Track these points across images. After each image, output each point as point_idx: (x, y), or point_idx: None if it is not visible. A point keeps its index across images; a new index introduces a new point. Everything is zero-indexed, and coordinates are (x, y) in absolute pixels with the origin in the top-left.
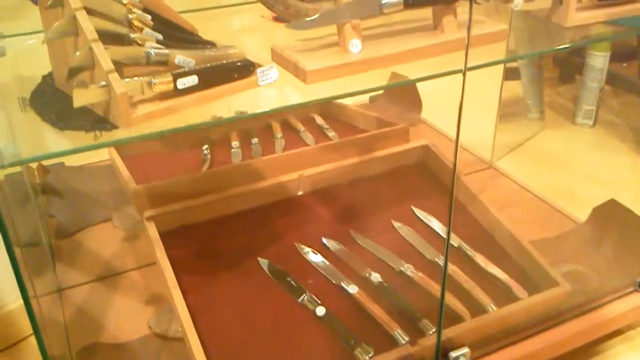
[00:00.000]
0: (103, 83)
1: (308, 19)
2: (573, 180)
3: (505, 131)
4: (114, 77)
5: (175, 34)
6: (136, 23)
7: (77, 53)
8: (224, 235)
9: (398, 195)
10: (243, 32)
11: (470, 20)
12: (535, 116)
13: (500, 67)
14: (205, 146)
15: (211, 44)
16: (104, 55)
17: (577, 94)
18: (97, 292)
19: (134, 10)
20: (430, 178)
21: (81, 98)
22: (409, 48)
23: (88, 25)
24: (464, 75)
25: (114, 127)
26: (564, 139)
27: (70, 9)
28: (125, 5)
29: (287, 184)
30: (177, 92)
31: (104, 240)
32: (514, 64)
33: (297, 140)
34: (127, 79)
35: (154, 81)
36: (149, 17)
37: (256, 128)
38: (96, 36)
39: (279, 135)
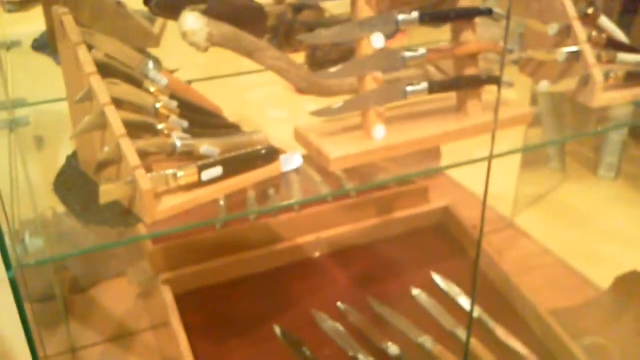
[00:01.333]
0: (130, 179)
1: (334, 106)
2: (595, 238)
3: (526, 182)
4: (140, 173)
5: (201, 118)
6: (163, 111)
7: (106, 149)
8: (239, 299)
9: (417, 259)
10: (267, 103)
11: (497, 109)
12: (556, 166)
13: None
14: None
15: (235, 128)
16: (132, 151)
17: (599, 143)
18: (111, 354)
19: (161, 98)
20: (450, 241)
21: (108, 195)
22: (433, 133)
23: (116, 121)
24: (490, 163)
25: (138, 220)
26: (586, 192)
27: (99, 104)
28: (152, 93)
29: (304, 245)
30: (202, 183)
31: (118, 297)
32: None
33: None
34: (153, 173)
35: (179, 174)
36: (175, 103)
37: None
38: (124, 131)
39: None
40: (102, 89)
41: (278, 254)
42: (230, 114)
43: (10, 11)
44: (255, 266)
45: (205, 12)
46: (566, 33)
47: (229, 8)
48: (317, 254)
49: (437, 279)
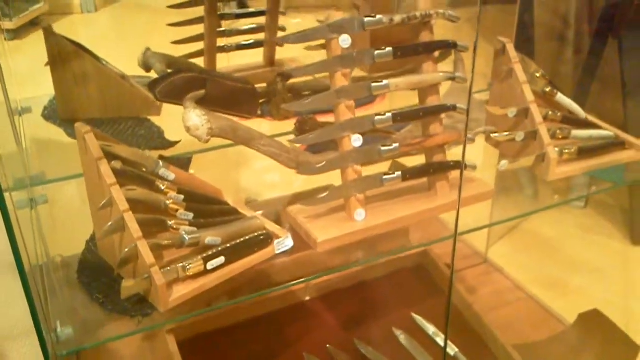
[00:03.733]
0: (146, 275)
1: (317, 165)
2: (565, 268)
3: (500, 210)
4: (155, 270)
5: (204, 208)
6: (172, 207)
7: (126, 250)
8: (236, 344)
9: (399, 300)
10: (263, 170)
11: (460, 193)
12: (529, 194)
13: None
14: None
15: (235, 212)
16: (147, 251)
17: None
18: None
19: (170, 195)
20: (429, 281)
21: (128, 290)
22: (407, 214)
23: (133, 225)
24: (455, 241)
25: (154, 308)
26: (556, 221)
27: (119, 210)
28: (163, 191)
29: (295, 291)
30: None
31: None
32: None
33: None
34: (165, 269)
35: (187, 267)
36: (182, 197)
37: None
38: (140, 234)
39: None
40: (121, 197)
41: (273, 299)
42: (231, 182)
43: (7, 39)
44: (251, 311)
45: (204, 96)
46: (524, 114)
47: (225, 91)
48: (307, 298)
49: (417, 318)
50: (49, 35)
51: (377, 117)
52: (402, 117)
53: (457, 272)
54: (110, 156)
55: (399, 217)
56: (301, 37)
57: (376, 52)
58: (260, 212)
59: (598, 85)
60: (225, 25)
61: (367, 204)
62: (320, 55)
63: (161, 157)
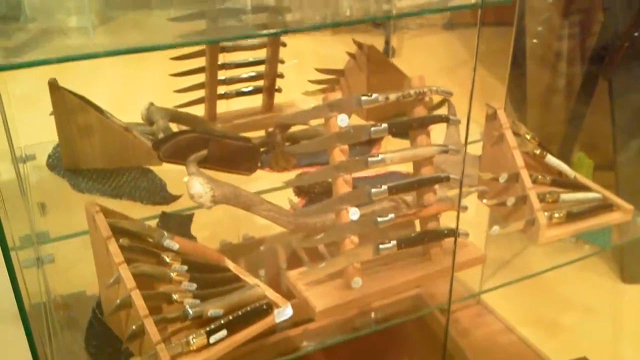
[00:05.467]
0: (152, 352)
1: (316, 237)
2: (556, 305)
3: (493, 246)
4: (160, 347)
5: (207, 277)
6: (176, 278)
7: (134, 327)
8: None
9: (394, 349)
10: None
11: (454, 258)
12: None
13: None
14: None
15: (236, 279)
16: (153, 329)
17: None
18: None
19: (174, 267)
20: (422, 325)
21: None
22: (403, 280)
23: (140, 302)
24: (449, 311)
25: None
26: (549, 256)
27: (127, 288)
28: (168, 263)
29: (294, 337)
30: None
31: None
32: None
33: None
34: (171, 345)
35: (192, 341)
36: (185, 267)
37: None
38: (147, 312)
39: (284, 267)
40: (128, 275)
41: (272, 345)
42: (229, 218)
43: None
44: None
45: (206, 156)
46: (515, 178)
47: (226, 150)
48: (304, 347)
49: None
50: (54, 88)
51: (373, 190)
52: (397, 189)
53: (451, 313)
54: (118, 231)
55: (395, 284)
56: (301, 116)
57: (372, 129)
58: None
59: (588, 124)
60: (226, 74)
61: (363, 271)
62: (318, 100)
63: (163, 214)
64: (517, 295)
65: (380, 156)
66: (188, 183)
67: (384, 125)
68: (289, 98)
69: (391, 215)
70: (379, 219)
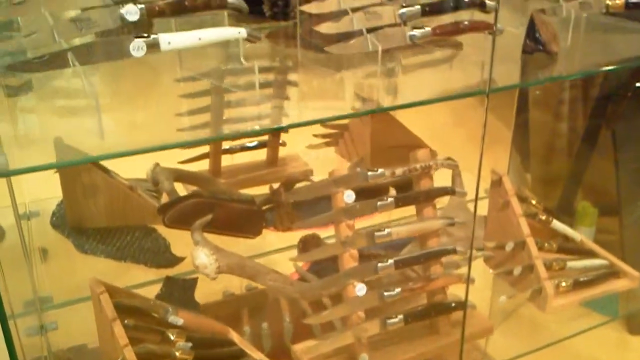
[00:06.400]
0: None
1: (323, 313)
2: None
3: (499, 290)
4: None
5: (212, 353)
6: (181, 357)
7: None
8: None
9: None
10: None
11: (463, 333)
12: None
13: None
14: None
15: (241, 354)
16: None
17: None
18: None
19: (179, 344)
20: None
21: None
22: (410, 355)
23: None
24: None
25: None
26: (557, 322)
27: None
28: (172, 341)
29: None
30: None
31: None
32: None
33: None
34: None
35: None
36: (190, 344)
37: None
38: None
39: (287, 319)
40: (133, 358)
41: None
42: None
43: (9, 95)
44: None
45: (211, 220)
46: (521, 246)
47: (231, 214)
48: None
49: None
50: (59, 146)
51: (379, 265)
52: (404, 264)
53: None
54: (123, 309)
55: (403, 359)
56: (308, 191)
57: (379, 204)
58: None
59: (591, 172)
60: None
61: (370, 346)
62: (322, 152)
63: (167, 280)
64: (521, 345)
65: (387, 230)
66: (193, 253)
67: (390, 199)
68: (294, 151)
69: (398, 290)
70: (386, 294)
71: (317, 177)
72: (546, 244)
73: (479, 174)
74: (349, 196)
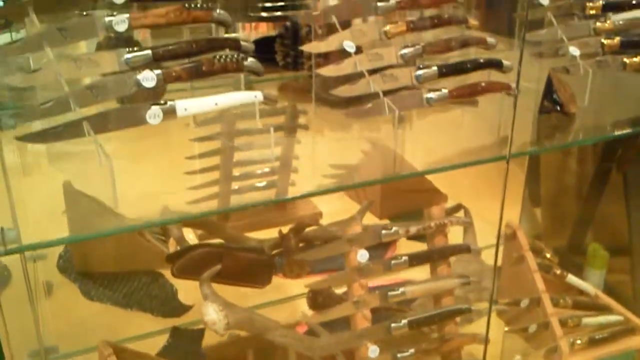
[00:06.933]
0: None
1: None
2: None
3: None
4: None
5: None
6: None
7: None
8: None
9: None
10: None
11: None
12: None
13: None
14: None
15: None
16: None
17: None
18: None
19: None
20: None
21: None
22: None
23: None
24: None
25: None
26: None
27: None
28: None
29: None
30: None
31: None
32: None
33: None
34: None
35: None
36: None
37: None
38: None
39: None
40: None
41: None
42: None
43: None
44: None
45: (220, 270)
46: (536, 303)
47: (240, 264)
48: None
49: None
50: (68, 190)
51: (393, 325)
52: (417, 324)
53: None
54: None
55: None
56: (321, 251)
57: (393, 262)
58: None
59: (602, 216)
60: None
61: None
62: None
63: (174, 330)
64: None
65: (401, 289)
66: (202, 309)
67: (404, 258)
68: (304, 190)
69: (412, 350)
70: (399, 355)
71: (325, 220)
72: (561, 300)
73: (498, 238)
74: (362, 256)
